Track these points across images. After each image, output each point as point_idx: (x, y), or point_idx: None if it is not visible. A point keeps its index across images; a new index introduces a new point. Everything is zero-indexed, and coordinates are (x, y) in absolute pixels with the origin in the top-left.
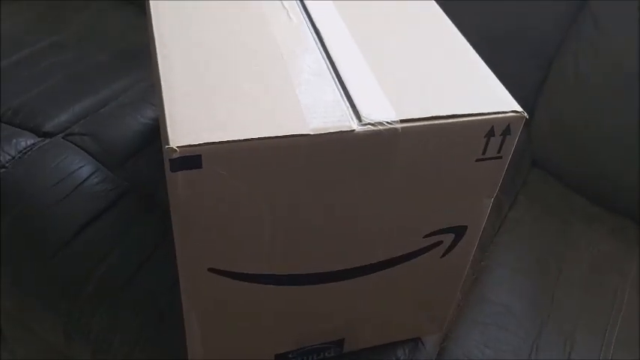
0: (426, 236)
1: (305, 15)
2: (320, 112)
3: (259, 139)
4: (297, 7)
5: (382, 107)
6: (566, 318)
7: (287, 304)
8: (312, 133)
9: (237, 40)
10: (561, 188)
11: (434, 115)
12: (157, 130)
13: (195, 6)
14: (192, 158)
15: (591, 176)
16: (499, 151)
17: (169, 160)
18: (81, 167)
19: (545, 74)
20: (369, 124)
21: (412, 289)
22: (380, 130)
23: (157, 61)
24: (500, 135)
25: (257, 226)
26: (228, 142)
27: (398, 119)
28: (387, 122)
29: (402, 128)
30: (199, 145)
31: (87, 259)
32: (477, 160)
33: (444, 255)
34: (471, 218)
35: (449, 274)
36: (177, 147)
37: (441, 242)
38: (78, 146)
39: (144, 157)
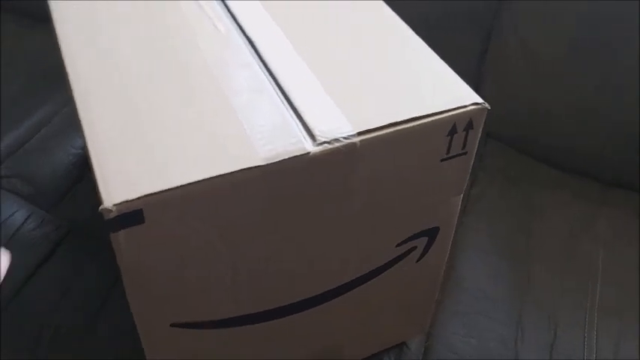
0: (398, 245)
1: (233, 22)
2: (269, 136)
3: (206, 180)
4: (223, 15)
5: (336, 121)
6: (546, 294)
7: (263, 341)
8: (264, 163)
9: (161, 59)
10: (518, 157)
11: (392, 121)
12: None
13: (108, 22)
14: (133, 214)
15: (547, 141)
16: (463, 147)
17: (107, 220)
18: (14, 213)
19: (486, 45)
20: (324, 142)
21: (391, 299)
22: (337, 148)
23: (73, 98)
24: (464, 131)
25: (216, 269)
26: (171, 189)
27: (355, 132)
28: (344, 137)
29: (361, 141)
30: (138, 198)
31: (39, 311)
32: (442, 160)
33: (419, 259)
34: (441, 219)
35: (426, 276)
36: (113, 205)
37: (415, 247)
38: (7, 190)
39: (80, 191)
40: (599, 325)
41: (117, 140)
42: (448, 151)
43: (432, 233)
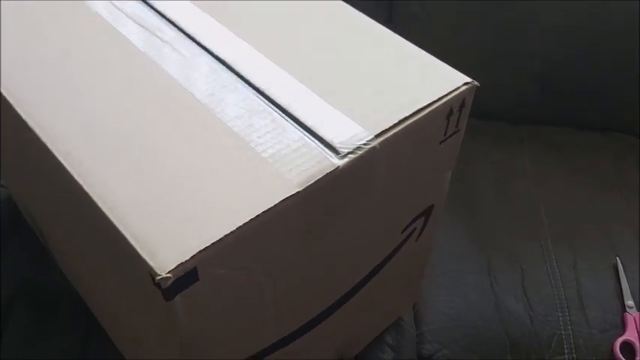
0: (403, 230)
1: (194, 43)
2: (291, 160)
3: (249, 221)
4: (179, 38)
5: (350, 129)
6: (502, 237)
7: (295, 353)
8: (300, 189)
9: (139, 99)
10: None
11: (400, 118)
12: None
13: (62, 71)
14: (188, 275)
15: None
16: (457, 126)
17: (164, 290)
18: None
19: (389, 12)
20: (348, 153)
21: (396, 280)
22: (361, 155)
23: (57, 167)
24: (458, 111)
25: (261, 302)
26: (220, 240)
27: (372, 136)
28: (364, 144)
29: (379, 144)
30: (192, 257)
31: None
32: (441, 142)
33: (417, 238)
34: (436, 196)
35: (422, 252)
36: (168, 272)
37: (415, 228)
38: None
39: (15, 241)
40: (555, 251)
41: (136, 201)
42: (445, 133)
43: (428, 212)
